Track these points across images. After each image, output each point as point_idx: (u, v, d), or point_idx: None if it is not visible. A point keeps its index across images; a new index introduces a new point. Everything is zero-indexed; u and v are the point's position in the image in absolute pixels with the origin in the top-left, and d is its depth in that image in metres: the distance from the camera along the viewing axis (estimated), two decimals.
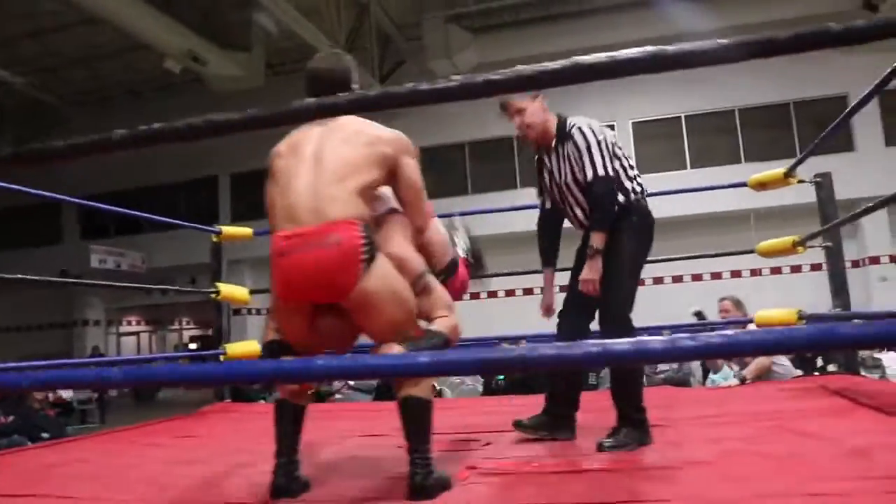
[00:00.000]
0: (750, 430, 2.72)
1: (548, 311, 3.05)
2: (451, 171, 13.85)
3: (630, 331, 2.80)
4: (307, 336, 2.20)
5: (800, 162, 3.87)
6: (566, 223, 3.09)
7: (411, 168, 2.27)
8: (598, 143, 2.80)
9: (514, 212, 6.25)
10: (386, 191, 2.35)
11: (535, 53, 11.72)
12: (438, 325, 2.24)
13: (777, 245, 3.93)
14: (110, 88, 15.43)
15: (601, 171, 2.77)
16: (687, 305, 8.65)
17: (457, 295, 2.56)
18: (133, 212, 4.33)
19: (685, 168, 13.34)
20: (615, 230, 2.80)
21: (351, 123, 2.25)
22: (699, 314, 8.26)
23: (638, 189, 2.90)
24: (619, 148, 2.91)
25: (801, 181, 3.99)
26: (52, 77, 14.60)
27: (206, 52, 11.31)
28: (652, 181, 3.48)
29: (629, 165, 2.93)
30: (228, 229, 4.55)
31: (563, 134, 2.87)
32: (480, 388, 7.55)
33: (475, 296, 13.46)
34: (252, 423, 3.77)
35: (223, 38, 11.79)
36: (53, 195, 3.88)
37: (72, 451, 3.30)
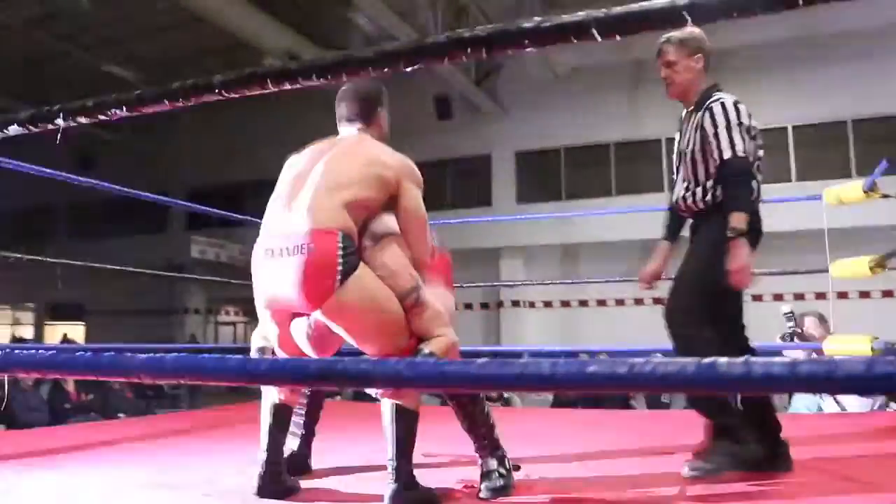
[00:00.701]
0: None
1: (652, 276, 2.85)
2: (548, 175, 13.72)
3: (696, 344, 2.46)
4: (290, 343, 2.18)
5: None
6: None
7: (412, 195, 2.27)
8: (740, 124, 2.57)
9: (610, 219, 6.14)
10: (388, 218, 2.27)
11: (635, 57, 11.52)
12: (433, 345, 2.16)
13: (853, 266, 3.69)
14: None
15: (741, 152, 2.53)
16: (764, 325, 8.27)
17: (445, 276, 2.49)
18: (204, 208, 4.43)
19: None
20: (719, 225, 2.52)
21: (358, 144, 2.30)
22: (790, 315, 7.85)
23: (758, 192, 2.66)
24: (758, 145, 2.68)
25: (885, 196, 3.74)
26: (163, 74, 15.23)
27: (303, 50, 11.58)
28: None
29: (759, 168, 2.70)
30: None
31: (703, 103, 2.66)
32: (550, 398, 7.45)
33: (566, 304, 13.48)
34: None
35: (321, 36, 12.04)
36: (136, 193, 4.03)
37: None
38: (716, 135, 2.56)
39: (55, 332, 19.71)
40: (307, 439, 2.70)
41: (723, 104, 2.59)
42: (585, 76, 12.41)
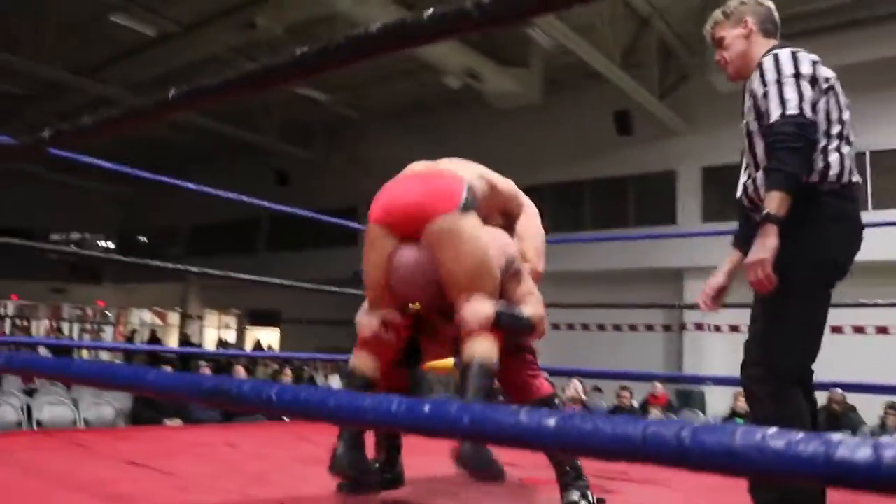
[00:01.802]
0: None
1: (711, 296, 2.33)
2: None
3: (784, 394, 1.96)
4: (383, 277, 2.14)
5: None
6: None
7: (531, 213, 2.49)
8: (797, 75, 1.98)
9: None
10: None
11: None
12: (529, 310, 2.17)
13: None
14: (404, 104, 16.59)
15: (793, 109, 1.93)
16: (869, 362, 7.38)
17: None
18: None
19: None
20: (790, 223, 1.91)
21: (474, 164, 2.44)
22: None
23: (839, 169, 2.01)
24: (839, 105, 2.07)
25: None
26: (353, 94, 16.07)
27: (483, 69, 11.77)
28: None
29: (841, 135, 2.05)
30: None
31: (756, 64, 2.13)
32: None
33: None
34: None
35: (501, 54, 12.19)
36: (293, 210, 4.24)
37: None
38: (765, 94, 2.01)
39: (254, 336, 21.25)
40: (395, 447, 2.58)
41: (775, 56, 2.06)
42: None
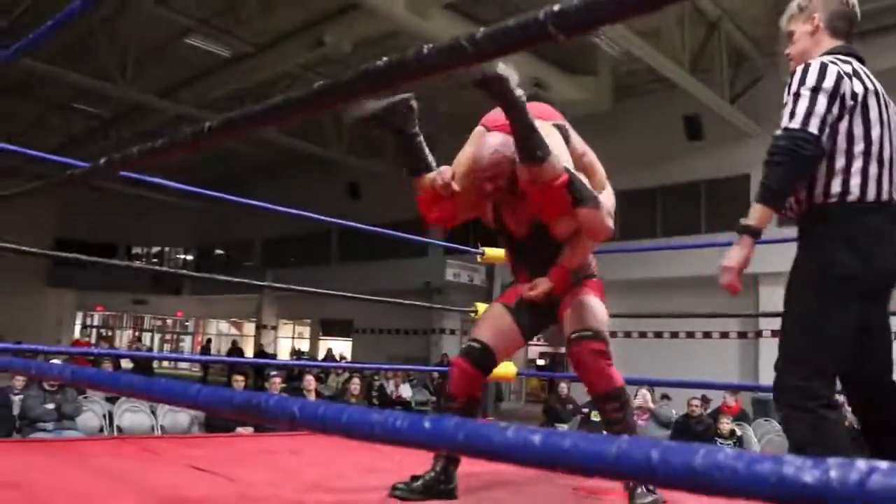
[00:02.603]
0: None
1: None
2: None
3: (803, 410, 1.91)
4: (472, 161, 2.55)
5: None
6: None
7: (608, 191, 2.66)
8: (815, 89, 1.92)
9: None
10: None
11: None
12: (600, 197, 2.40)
13: None
14: (471, 116, 16.62)
15: (795, 124, 1.90)
16: None
17: (590, 361, 2.51)
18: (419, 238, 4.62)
19: None
20: (807, 244, 1.99)
21: None
22: None
23: (860, 189, 1.94)
24: (868, 121, 1.97)
25: None
26: (422, 106, 16.21)
27: (550, 77, 11.75)
28: None
29: (868, 153, 1.95)
30: (490, 251, 4.65)
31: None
32: None
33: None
34: None
35: (568, 63, 12.16)
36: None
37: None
38: (785, 105, 1.98)
39: (327, 346, 21.64)
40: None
41: (805, 66, 1.99)
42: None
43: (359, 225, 5.61)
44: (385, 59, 0.90)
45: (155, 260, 26.02)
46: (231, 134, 1.20)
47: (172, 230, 25.15)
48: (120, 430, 6.32)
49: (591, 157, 2.70)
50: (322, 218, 5.05)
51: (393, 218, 17.27)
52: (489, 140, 2.48)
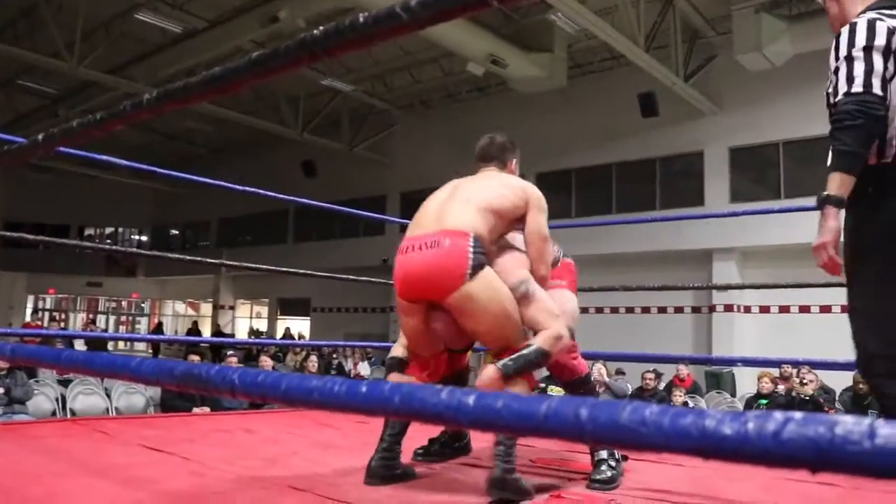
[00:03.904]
0: None
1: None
2: (766, 172, 12.88)
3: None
4: (423, 334, 2.36)
5: None
6: None
7: (537, 219, 2.41)
8: (868, 48, 1.84)
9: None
10: (515, 234, 2.48)
11: None
12: (539, 339, 2.25)
13: None
14: (429, 92, 16.59)
15: (858, 87, 1.82)
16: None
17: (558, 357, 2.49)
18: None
19: None
20: (858, 206, 1.84)
21: (495, 174, 2.56)
22: None
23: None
24: None
25: None
26: (379, 84, 16.13)
27: (506, 54, 11.73)
28: None
29: None
30: None
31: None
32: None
33: (784, 309, 12.57)
34: None
35: (524, 40, 12.15)
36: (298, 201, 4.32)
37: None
38: (836, 70, 1.89)
39: (285, 325, 21.51)
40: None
41: (852, 26, 1.90)
42: (807, 64, 11.50)
43: (315, 202, 5.58)
44: (322, 27, 0.89)
45: (109, 241, 25.53)
46: (171, 105, 1.18)
47: (126, 211, 24.68)
48: (73, 412, 6.21)
49: (521, 195, 2.43)
50: (278, 196, 5.01)
51: (350, 196, 17.24)
52: (435, 327, 2.34)
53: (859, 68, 1.82)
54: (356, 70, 15.19)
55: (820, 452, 0.51)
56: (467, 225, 2.26)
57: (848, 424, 0.51)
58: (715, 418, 0.56)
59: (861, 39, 1.85)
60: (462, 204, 2.32)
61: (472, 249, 2.20)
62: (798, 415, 0.54)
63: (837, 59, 1.89)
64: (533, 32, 12.22)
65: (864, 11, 1.95)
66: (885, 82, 1.83)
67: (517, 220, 2.42)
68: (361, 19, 0.84)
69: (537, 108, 14.37)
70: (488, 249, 2.31)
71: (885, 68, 1.84)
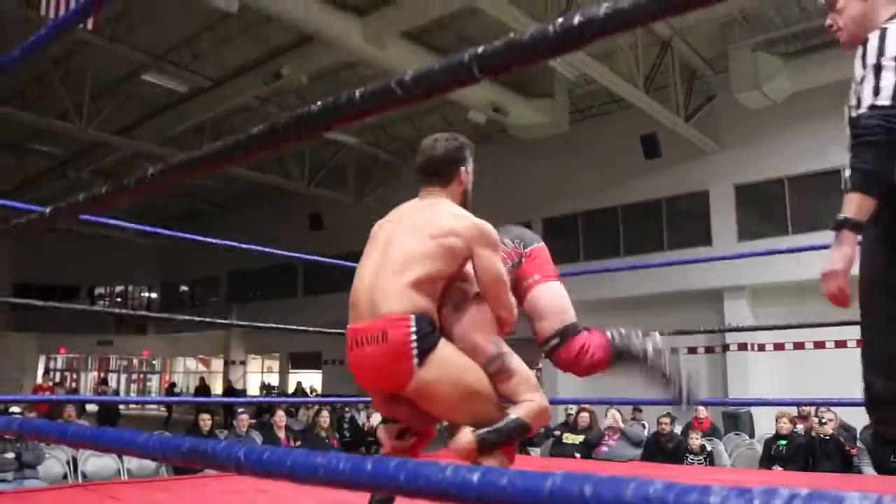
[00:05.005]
0: None
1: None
2: (772, 208, 12.87)
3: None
4: (388, 412, 2.23)
5: None
6: None
7: (486, 258, 2.12)
8: None
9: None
10: (466, 284, 2.21)
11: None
12: (519, 411, 2.08)
13: None
14: None
15: (885, 100, 1.66)
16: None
17: (575, 365, 2.37)
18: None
19: None
20: (876, 230, 1.71)
21: (429, 212, 2.21)
22: None
23: None
24: None
25: None
26: (382, 134, 16.28)
27: (508, 101, 11.87)
28: None
29: None
30: None
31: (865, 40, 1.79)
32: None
33: (799, 346, 12.44)
34: None
35: (525, 87, 12.29)
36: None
37: None
38: (863, 79, 1.73)
39: (297, 379, 21.41)
40: None
41: (882, 32, 1.74)
42: (806, 100, 11.57)
43: (321, 259, 5.59)
44: (319, 103, 0.91)
45: (119, 299, 25.61)
46: (194, 172, 1.20)
47: (135, 268, 24.82)
48: (85, 476, 6.16)
49: (468, 237, 2.15)
50: (283, 253, 5.02)
51: (358, 247, 17.15)
52: (399, 413, 2.25)
53: (888, 79, 1.67)
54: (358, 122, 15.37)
55: None
56: (405, 305, 2.03)
57: (854, 500, 0.50)
58: (720, 495, 0.55)
59: (893, 48, 1.70)
60: (394, 277, 2.08)
61: (414, 336, 1.99)
62: (804, 491, 0.53)
63: (864, 66, 1.73)
64: (533, 79, 12.37)
65: (893, 17, 1.80)
66: None
67: (466, 260, 2.15)
68: (357, 95, 0.85)
69: (540, 153, 14.47)
70: (442, 316, 2.12)
71: None
